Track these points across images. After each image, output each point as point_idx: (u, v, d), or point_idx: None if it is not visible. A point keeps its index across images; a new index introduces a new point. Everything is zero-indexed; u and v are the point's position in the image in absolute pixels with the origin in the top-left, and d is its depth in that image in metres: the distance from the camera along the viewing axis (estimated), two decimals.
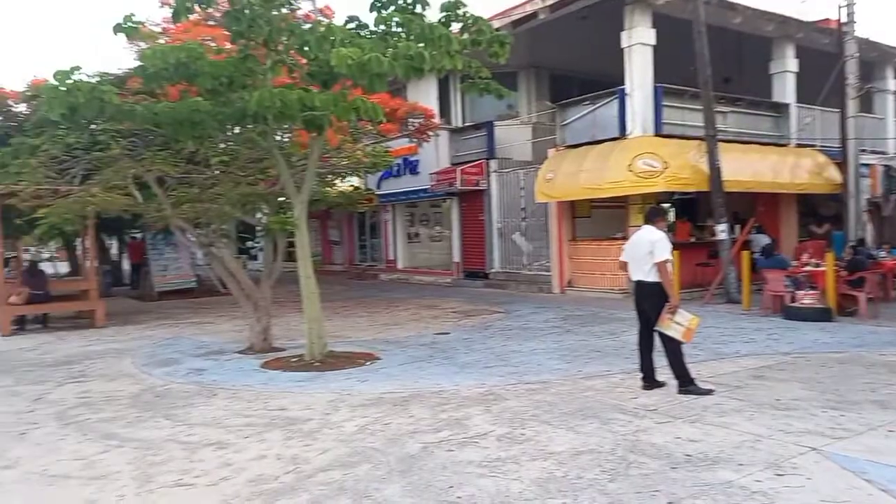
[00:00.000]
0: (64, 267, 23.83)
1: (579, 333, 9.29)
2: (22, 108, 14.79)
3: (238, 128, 8.65)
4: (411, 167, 18.81)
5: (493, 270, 16.96)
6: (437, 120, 16.20)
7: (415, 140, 15.60)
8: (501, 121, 17.19)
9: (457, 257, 18.17)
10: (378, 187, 20.14)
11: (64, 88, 6.11)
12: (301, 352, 7.92)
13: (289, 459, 4.43)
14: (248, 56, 6.77)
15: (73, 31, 78.38)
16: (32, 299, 11.73)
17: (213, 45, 8.80)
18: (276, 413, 5.61)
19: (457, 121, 18.87)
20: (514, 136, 17.07)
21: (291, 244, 9.42)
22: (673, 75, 12.75)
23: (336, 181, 13.27)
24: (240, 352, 8.62)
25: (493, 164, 16.80)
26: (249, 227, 17.53)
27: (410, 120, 14.66)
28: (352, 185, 16.31)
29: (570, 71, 17.93)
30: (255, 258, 25.06)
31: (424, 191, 18.11)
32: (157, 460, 4.51)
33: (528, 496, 3.69)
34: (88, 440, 5.04)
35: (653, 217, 6.11)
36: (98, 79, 7.72)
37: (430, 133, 15.09)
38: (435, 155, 17.84)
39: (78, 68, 6.26)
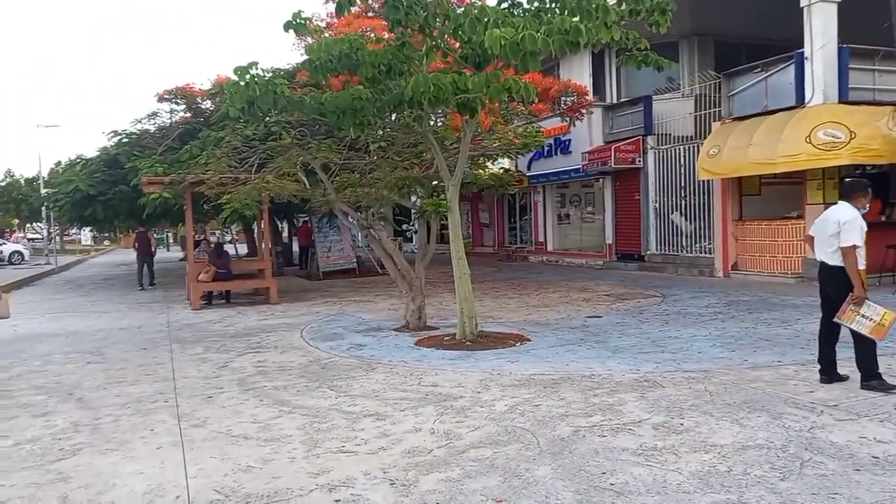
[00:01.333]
0: (243, 248, 26.32)
1: (745, 320, 8.65)
2: (208, 104, 16.48)
3: (395, 114, 8.98)
4: (563, 147, 18.47)
5: (648, 252, 16.26)
6: (590, 97, 15.74)
7: (567, 119, 15.29)
8: (660, 94, 16.31)
9: (609, 239, 17.64)
10: (528, 168, 20.03)
11: (243, 84, 6.68)
12: (453, 331, 8.12)
13: (442, 434, 4.56)
14: (404, 43, 6.98)
15: (247, 31, 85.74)
16: (218, 277, 13.09)
17: (372, 35, 9.21)
18: (429, 389, 5.80)
19: (611, 97, 18.21)
20: (673, 110, 16.14)
21: (444, 226, 9.66)
22: (861, 34, 11.33)
23: (487, 163, 13.38)
24: (396, 329, 9.01)
25: (651, 140, 16.03)
26: (405, 209, 18.28)
27: (563, 98, 14.37)
28: (502, 167, 16.36)
29: (738, 37, 16.60)
30: (410, 240, 26.07)
31: (576, 170, 17.73)
32: (323, 427, 4.85)
33: (687, 489, 3.50)
34: (264, 405, 5.52)
35: (850, 192, 5.33)
36: (271, 74, 8.38)
37: (583, 111, 14.71)
38: (588, 133, 17.37)
39: (255, 64, 6.81)
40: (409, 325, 9.01)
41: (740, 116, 13.08)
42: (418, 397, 5.55)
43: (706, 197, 14.40)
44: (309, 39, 11.71)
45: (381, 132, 9.91)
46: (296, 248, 24.19)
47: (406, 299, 9.18)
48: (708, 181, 13.91)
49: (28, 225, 50.53)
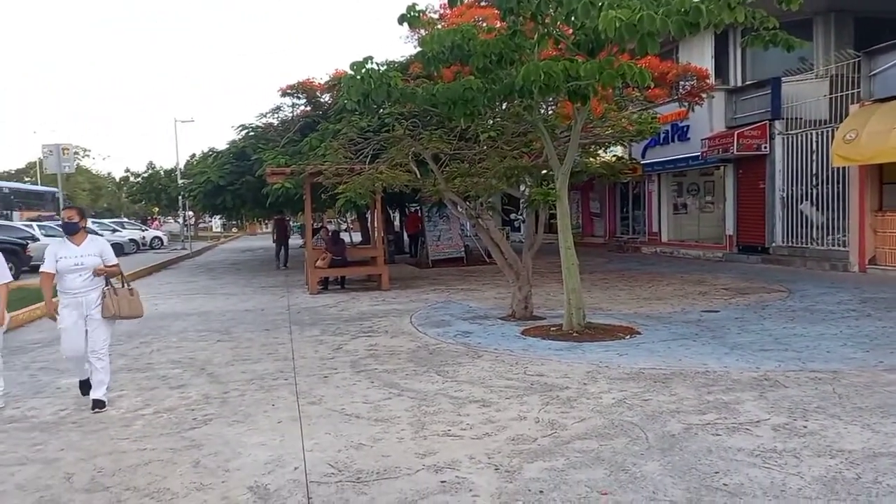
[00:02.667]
0: (357, 236, 27.29)
1: (883, 319, 7.95)
2: (326, 97, 17.20)
3: (505, 103, 8.98)
4: (680, 133, 17.69)
5: (773, 244, 15.27)
6: (711, 80, 14.92)
7: (686, 104, 14.59)
8: (790, 76, 15.20)
9: (730, 230, 16.73)
10: (643, 156, 19.36)
11: (358, 77, 6.93)
12: (560, 321, 8.04)
13: (547, 423, 4.56)
14: (516, 32, 6.95)
15: (361, 26, 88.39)
16: (334, 264, 13.69)
17: (484, 25, 9.23)
18: (534, 378, 5.80)
19: (735, 80, 17.18)
20: (805, 93, 15.01)
21: (552, 216, 9.55)
22: None
23: (599, 151, 13.06)
24: (502, 318, 9.05)
25: (778, 125, 15.02)
26: (513, 199, 18.22)
27: (681, 83, 13.75)
28: (614, 155, 15.91)
29: (881, 11, 15.11)
30: (517, 229, 25.97)
31: (695, 158, 16.93)
32: (430, 411, 4.98)
33: (808, 494, 3.30)
34: (375, 387, 5.75)
35: None
36: (385, 67, 8.60)
37: (704, 95, 13.97)
38: (708, 119, 16.52)
39: (370, 59, 7.04)
40: (515, 314, 9.02)
41: (882, 98, 11.97)
42: (524, 386, 5.56)
43: (840, 185, 13.32)
44: (421, 32, 11.92)
45: (490, 122, 9.94)
46: (405, 236, 24.76)
47: (513, 288, 9.19)
48: (843, 168, 12.86)
49: (164, 212, 54.96)
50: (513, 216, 24.11)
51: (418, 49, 10.27)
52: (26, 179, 63.37)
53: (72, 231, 5.40)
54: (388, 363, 6.66)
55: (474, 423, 4.65)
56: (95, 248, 5.40)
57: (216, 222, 57.84)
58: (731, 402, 4.88)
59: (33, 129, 69.09)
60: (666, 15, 5.70)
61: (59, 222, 5.19)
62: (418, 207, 20.30)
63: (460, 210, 10.02)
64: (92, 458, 4.22)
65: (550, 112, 10.09)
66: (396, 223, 27.22)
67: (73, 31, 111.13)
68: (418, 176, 9.98)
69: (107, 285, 5.44)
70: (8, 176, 67.45)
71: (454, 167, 9.79)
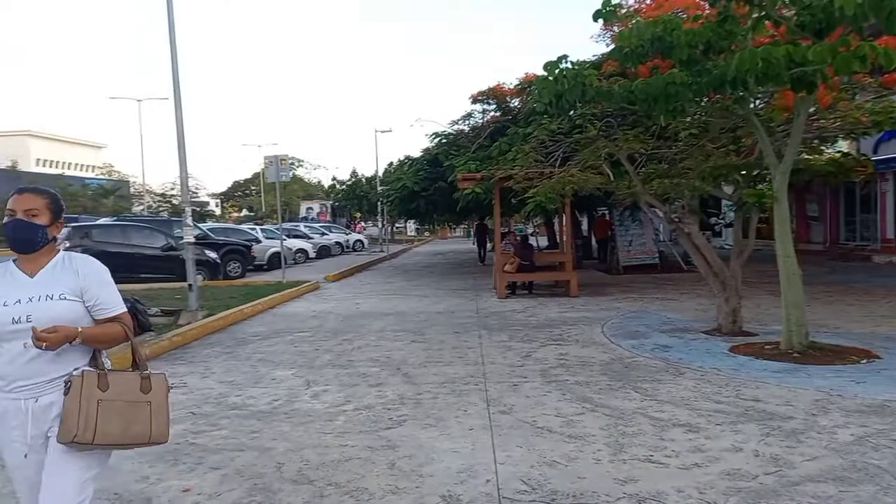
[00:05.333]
0: (543, 241, 27.08)
1: None
2: (516, 102, 17.23)
3: (710, 98, 8.23)
4: None
5: None
6: None
7: None
8: None
9: None
10: (874, 152, 16.88)
11: (551, 78, 6.73)
12: (775, 338, 7.15)
13: (769, 459, 3.99)
14: (727, 18, 6.30)
15: (548, 30, 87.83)
16: (522, 268, 13.60)
17: (684, 15, 8.55)
18: (749, 403, 5.16)
19: None
20: None
21: (760, 219, 8.58)
22: None
23: (822, 147, 11.53)
24: (706, 332, 8.30)
25: None
26: (715, 200, 16.83)
27: None
28: (839, 151, 13.99)
29: None
30: (718, 234, 24.04)
31: None
32: (628, 431, 4.62)
33: None
34: (567, 400, 5.49)
35: None
36: (578, 67, 8.31)
37: None
38: None
39: (564, 58, 6.81)
40: (721, 328, 8.22)
41: None
42: (737, 412, 4.97)
43: None
44: (615, 29, 11.41)
45: (689, 118, 9.19)
46: (594, 241, 24.07)
47: (718, 300, 8.39)
48: None
49: (365, 217, 59.10)
50: (713, 220, 22.36)
51: (611, 47, 9.80)
52: (252, 188, 71.80)
53: (26, 243, 2.46)
54: (579, 375, 6.37)
55: (680, 450, 4.21)
56: (70, 281, 2.47)
57: (410, 226, 61.00)
58: None
59: (258, 143, 78.35)
60: None
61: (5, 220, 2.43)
62: (608, 211, 19.58)
63: (658, 214, 9.39)
64: (300, 450, 4.47)
65: (762, 105, 9.07)
66: (584, 227, 26.58)
67: (295, 57, 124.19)
68: (611, 178, 9.52)
69: (89, 365, 2.47)
70: (236, 185, 76.88)
71: (651, 168, 9.20)
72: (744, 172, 8.76)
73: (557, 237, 21.74)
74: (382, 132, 47.15)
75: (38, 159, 76.72)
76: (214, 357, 7.76)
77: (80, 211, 33.64)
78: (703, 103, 8.66)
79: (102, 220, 21.85)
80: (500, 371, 6.65)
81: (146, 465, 4.22)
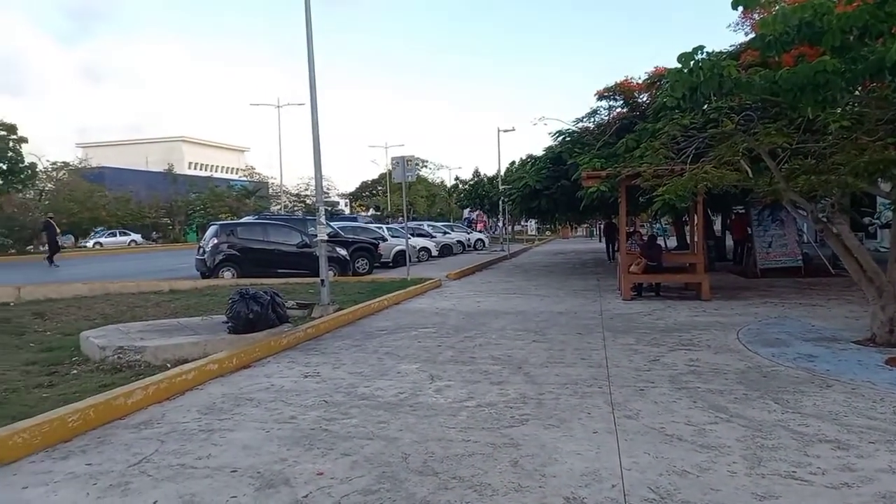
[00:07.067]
0: (672, 241, 25.96)
1: None
2: (644, 97, 16.65)
3: (865, 86, 7.53)
4: None
5: None
6: None
7: None
8: None
9: None
10: None
11: (686, 70, 6.44)
12: None
13: None
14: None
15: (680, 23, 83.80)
16: (648, 269, 13.11)
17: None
18: None
19: None
20: None
21: None
22: None
23: None
24: (857, 342, 7.59)
25: None
26: (869, 199, 15.33)
27: None
28: None
29: None
30: (872, 235, 21.93)
31: None
32: (768, 444, 4.33)
33: None
34: (698, 408, 5.24)
35: None
36: (714, 58, 7.88)
37: None
38: None
39: (700, 49, 6.49)
40: (875, 338, 7.49)
41: None
42: (894, 430, 4.52)
43: None
44: (755, 17, 10.71)
45: (840, 109, 8.43)
46: (729, 241, 22.74)
47: (873, 307, 7.64)
48: None
49: (487, 216, 59.49)
50: (866, 219, 20.40)
51: (750, 36, 9.21)
52: (378, 188, 74.47)
53: None
54: (712, 382, 6.05)
55: (827, 467, 3.90)
56: None
57: (531, 225, 60.65)
58: None
59: (384, 144, 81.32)
60: None
61: None
62: (745, 210, 18.40)
63: (804, 213, 8.71)
64: (425, 442, 4.60)
65: None
66: (717, 227, 25.16)
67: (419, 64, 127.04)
68: (750, 175, 8.94)
69: None
70: (364, 185, 79.99)
71: (796, 163, 8.54)
72: None
73: (688, 237, 20.76)
74: (505, 131, 47.23)
75: (191, 163, 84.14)
76: (345, 349, 8.14)
77: (226, 210, 36.50)
78: (856, 93, 7.94)
79: (246, 219, 23.60)
80: (626, 375, 6.46)
81: (284, 448, 4.51)
